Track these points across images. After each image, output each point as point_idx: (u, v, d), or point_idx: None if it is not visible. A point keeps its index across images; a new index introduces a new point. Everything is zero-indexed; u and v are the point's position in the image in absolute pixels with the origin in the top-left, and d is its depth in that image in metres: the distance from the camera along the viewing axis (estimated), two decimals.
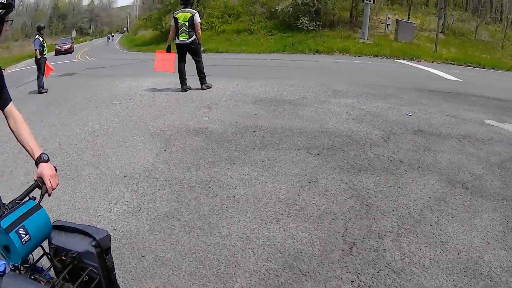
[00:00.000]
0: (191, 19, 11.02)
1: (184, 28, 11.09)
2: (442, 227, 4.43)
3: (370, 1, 26.51)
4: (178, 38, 11.26)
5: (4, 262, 2.57)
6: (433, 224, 4.47)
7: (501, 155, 7.23)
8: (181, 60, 11.56)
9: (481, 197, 5.40)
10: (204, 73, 11.60)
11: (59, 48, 51.36)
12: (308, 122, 7.88)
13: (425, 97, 10.81)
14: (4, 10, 2.23)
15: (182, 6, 11.33)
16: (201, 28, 11.47)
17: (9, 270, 2.27)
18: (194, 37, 11.14)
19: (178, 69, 11.64)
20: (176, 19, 11.22)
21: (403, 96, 10.42)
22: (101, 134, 8.06)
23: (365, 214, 4.47)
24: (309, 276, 3.47)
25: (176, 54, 11.60)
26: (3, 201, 2.78)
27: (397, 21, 29.42)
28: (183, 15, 11.12)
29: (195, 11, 11.23)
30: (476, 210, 4.99)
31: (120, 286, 2.32)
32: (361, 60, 19.56)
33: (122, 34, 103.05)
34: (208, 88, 11.63)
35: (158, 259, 3.88)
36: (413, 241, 4.08)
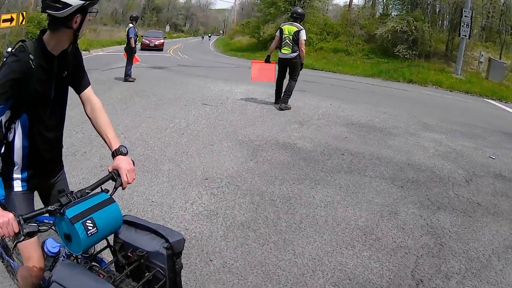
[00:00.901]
0: (296, 33, 10.83)
1: (287, 41, 10.92)
2: (505, 275, 4.37)
3: (465, 36, 25.72)
4: (280, 51, 11.12)
5: (58, 244, 2.66)
6: (498, 271, 4.42)
7: None
8: (282, 74, 11.46)
9: None
10: (291, 93, 11.30)
11: (147, 42, 41.28)
12: (396, 152, 7.83)
13: (510, 141, 10.50)
14: (89, 1, 2.19)
15: (291, 20, 11.23)
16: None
17: (63, 255, 2.33)
18: (297, 53, 10.91)
19: (277, 83, 11.59)
20: (281, 31, 11.08)
21: (489, 137, 10.14)
22: (187, 132, 8.28)
23: (437, 253, 4.49)
24: None
25: (277, 67, 11.51)
26: (69, 181, 2.87)
27: (489, 59, 28.45)
28: (289, 28, 10.98)
29: (302, 28, 11.01)
30: None
31: (183, 286, 2.37)
32: (452, 95, 18.98)
33: (218, 37, 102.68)
34: (287, 109, 11.27)
35: (226, 266, 3.98)
36: (476, 286, 4.06)
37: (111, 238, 2.26)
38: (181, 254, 2.21)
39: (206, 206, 5.20)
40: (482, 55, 28.80)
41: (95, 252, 2.30)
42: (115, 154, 2.41)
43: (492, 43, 35.93)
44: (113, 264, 2.26)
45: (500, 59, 29.87)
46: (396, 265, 4.17)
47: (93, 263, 2.23)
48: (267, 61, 11.59)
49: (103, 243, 2.24)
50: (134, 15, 15.83)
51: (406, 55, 29.42)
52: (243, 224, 4.82)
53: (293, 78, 11.13)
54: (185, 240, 2.24)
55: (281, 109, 11.11)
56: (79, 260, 2.25)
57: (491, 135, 10.45)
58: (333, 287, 3.78)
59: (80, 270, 2.00)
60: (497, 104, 18.69)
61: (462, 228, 5.11)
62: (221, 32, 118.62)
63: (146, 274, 2.15)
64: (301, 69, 11.32)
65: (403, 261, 4.25)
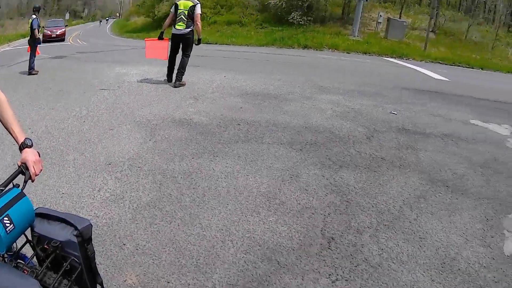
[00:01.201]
0: (192, 8, 10.55)
1: (182, 16, 10.60)
2: (421, 224, 4.51)
3: None
4: (174, 27, 10.78)
5: None
6: (412, 221, 4.54)
7: (484, 155, 7.32)
8: (174, 51, 11.18)
9: (462, 195, 5.50)
10: (184, 70, 11.13)
11: (49, 33, 38.86)
12: (292, 117, 7.89)
13: (410, 95, 10.90)
14: None
15: None
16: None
17: None
18: (191, 28, 10.70)
19: (169, 60, 11.31)
20: (176, 6, 10.71)
21: (388, 94, 10.50)
22: (87, 120, 8.01)
23: (344, 209, 4.53)
24: (287, 269, 3.52)
25: (170, 43, 11.19)
26: None
27: (388, 19, 29.38)
28: (184, 3, 10.64)
29: (198, 2, 10.71)
30: (456, 208, 5.09)
31: (101, 273, 2.33)
32: (350, 57, 19.55)
33: (115, 19, 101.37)
34: (181, 86, 11.09)
35: (139, 248, 3.90)
36: (391, 237, 4.15)
37: (29, 233, 2.25)
38: (91, 240, 2.24)
39: (112, 191, 5.08)
40: (380, 15, 29.75)
41: (17, 249, 2.28)
42: (21, 147, 2.42)
43: (392, 4, 37.31)
44: (36, 259, 2.28)
45: (400, 18, 30.98)
46: (304, 226, 4.14)
47: (18, 261, 2.22)
48: (160, 38, 11.35)
49: (23, 239, 2.25)
50: (37, 5, 15.17)
51: (301, 21, 29.79)
52: (149, 204, 4.71)
53: (186, 54, 10.94)
54: (92, 226, 2.25)
55: (175, 87, 10.93)
56: (6, 259, 2.20)
57: (391, 91, 10.84)
58: (244, 255, 3.72)
59: (7, 269, 1.99)
60: (397, 61, 19.41)
61: (368, 184, 5.19)
62: (117, 14, 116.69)
63: (64, 264, 2.18)
64: (198, 44, 11.15)
65: (310, 221, 4.23)
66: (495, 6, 46.89)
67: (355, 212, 4.49)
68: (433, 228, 4.51)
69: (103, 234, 4.10)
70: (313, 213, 4.35)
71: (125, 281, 3.47)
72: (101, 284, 2.38)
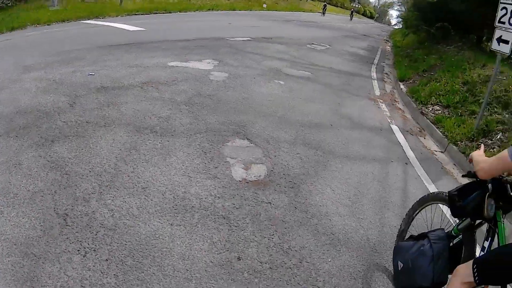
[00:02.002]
0: None
1: None
2: (139, 175, 4.78)
3: None
4: None
5: None
6: (130, 174, 4.78)
7: (187, 92, 7.98)
8: None
9: (172, 136, 5.97)
10: None
11: None
12: (3, 106, 7.31)
13: (107, 53, 11.01)
14: None
15: None
16: None
17: None
18: None
19: None
20: None
21: (86, 56, 10.36)
22: None
23: (66, 183, 4.49)
24: (44, 258, 3.38)
25: None
26: None
27: None
28: None
29: None
30: (170, 150, 5.52)
31: None
32: (50, 28, 18.37)
33: None
34: None
35: None
36: (116, 196, 4.32)
37: None
38: None
39: None
40: None
41: None
42: None
43: None
44: None
45: None
46: (39, 211, 3.94)
47: None
48: None
49: None
50: None
51: (8, 3, 27.36)
52: None
53: None
54: None
55: None
56: None
57: (88, 53, 10.69)
58: (9, 258, 3.36)
59: None
60: (94, 22, 19.21)
61: (79, 151, 5.21)
62: None
63: None
64: None
65: (43, 204, 4.06)
66: None
67: (77, 182, 4.50)
68: (152, 175, 4.82)
69: None
70: (42, 196, 4.20)
71: None
72: None
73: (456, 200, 2.93)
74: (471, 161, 2.86)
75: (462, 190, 2.95)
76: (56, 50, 11.07)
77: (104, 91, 7.58)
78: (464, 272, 2.58)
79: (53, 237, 3.66)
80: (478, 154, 2.86)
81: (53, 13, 22.68)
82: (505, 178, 2.78)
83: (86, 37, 14.32)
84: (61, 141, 5.43)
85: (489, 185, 2.76)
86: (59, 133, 5.68)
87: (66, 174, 4.64)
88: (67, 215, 3.94)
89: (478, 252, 2.84)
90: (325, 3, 60.62)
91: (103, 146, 5.40)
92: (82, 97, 7.17)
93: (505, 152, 2.48)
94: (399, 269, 3.23)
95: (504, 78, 10.44)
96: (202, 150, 5.67)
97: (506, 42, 7.95)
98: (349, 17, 60.59)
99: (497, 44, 8.16)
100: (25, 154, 5.02)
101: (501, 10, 8.07)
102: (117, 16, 22.03)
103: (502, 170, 2.65)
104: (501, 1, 8.04)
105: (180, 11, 27.66)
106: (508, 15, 7.83)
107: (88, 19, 20.11)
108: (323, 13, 54.96)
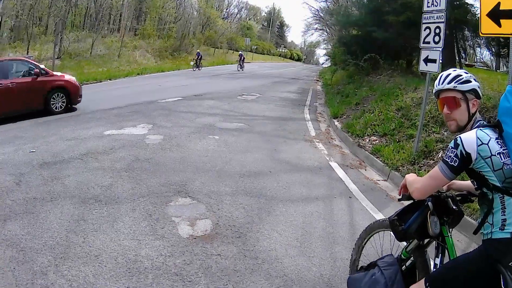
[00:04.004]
0: None
1: None
2: (90, 244, 5.01)
3: None
4: None
5: None
6: (81, 244, 5.00)
7: (125, 159, 8.27)
8: None
9: (117, 203, 6.26)
10: None
11: None
12: None
13: (45, 128, 11.30)
14: None
15: None
16: None
17: None
18: None
19: None
20: None
21: (25, 134, 10.53)
22: None
23: (23, 258, 4.63)
24: None
25: None
26: None
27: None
28: None
29: None
30: (116, 217, 5.80)
31: None
32: None
33: None
34: None
35: None
36: (71, 266, 4.50)
37: None
38: None
39: None
40: (9, 55, 28.49)
41: None
42: None
43: (21, 41, 35.71)
44: None
45: (27, 53, 30.16)
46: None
47: None
48: None
49: None
50: None
51: None
52: None
53: None
54: None
55: None
56: None
57: (27, 131, 10.96)
58: None
59: None
60: None
61: (31, 227, 5.37)
62: None
63: None
64: None
65: (5, 281, 4.20)
66: (120, 14, 49.13)
67: (33, 257, 4.65)
68: (103, 242, 5.06)
69: None
70: (3, 273, 4.34)
71: None
72: None
73: (398, 225, 3.04)
74: (402, 191, 3.12)
75: (402, 214, 3.09)
76: None
77: (46, 166, 7.79)
78: None
79: None
80: (410, 176, 3.08)
81: None
82: (445, 194, 3.00)
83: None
84: (13, 219, 5.58)
85: (429, 203, 2.92)
86: (9, 211, 5.83)
87: (22, 250, 4.81)
88: None
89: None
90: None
91: (52, 220, 5.59)
92: (26, 174, 7.34)
93: (437, 171, 2.69)
94: None
95: None
96: (147, 213, 5.94)
97: (434, 61, 8.46)
98: (239, 66, 44.22)
99: (425, 64, 8.70)
100: None
101: (424, 30, 8.65)
102: None
103: (437, 188, 2.84)
104: (423, 22, 8.64)
105: (110, 79, 27.89)
106: (432, 33, 8.40)
107: None
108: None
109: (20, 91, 13.16)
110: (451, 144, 2.64)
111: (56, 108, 14.31)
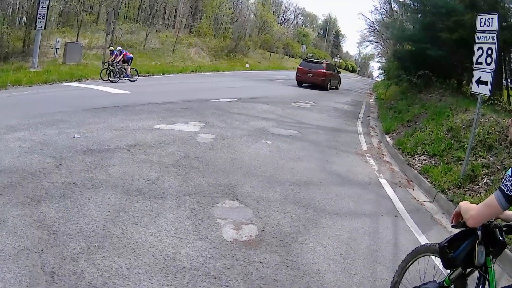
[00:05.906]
0: None
1: None
2: (129, 236, 4.87)
3: (41, 27, 25.25)
4: None
5: None
6: (119, 235, 4.87)
7: (174, 155, 8.15)
8: None
9: (161, 198, 6.10)
10: None
11: None
12: None
13: (92, 115, 11.23)
14: None
15: None
16: None
17: None
18: None
19: None
20: None
21: (70, 119, 10.56)
22: None
23: (54, 242, 4.56)
24: None
25: None
26: None
27: (65, 43, 28.75)
28: None
29: None
30: (159, 212, 5.64)
31: None
32: (31, 89, 18.40)
33: None
34: None
35: None
36: (105, 256, 4.38)
37: None
38: None
39: None
40: (58, 41, 29.02)
41: None
42: None
43: (70, 27, 36.62)
44: None
45: (77, 40, 30.83)
46: (25, 268, 4.02)
47: None
48: None
49: None
50: None
51: None
52: None
53: None
54: None
55: None
56: None
57: (72, 116, 10.88)
58: None
59: None
60: (77, 84, 19.43)
61: (67, 211, 5.30)
62: None
63: None
64: None
65: (29, 261, 4.14)
66: (175, 10, 50.03)
67: (64, 242, 4.57)
68: (142, 236, 4.92)
69: None
70: (28, 253, 4.27)
71: None
72: None
73: (447, 252, 3.00)
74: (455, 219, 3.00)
75: (452, 241, 3.04)
76: (39, 112, 11.21)
77: (90, 153, 7.73)
78: None
79: None
80: (464, 203, 2.93)
81: (34, 74, 22.83)
82: (493, 223, 2.87)
83: (69, 99, 14.49)
84: (48, 201, 5.51)
85: (479, 232, 2.84)
86: (45, 193, 5.76)
87: (53, 233, 4.72)
88: (54, 273, 3.99)
89: None
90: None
91: (91, 207, 5.49)
92: (68, 159, 7.29)
93: (493, 199, 2.58)
94: None
95: (486, 120, 10.71)
96: (192, 212, 5.78)
97: (485, 83, 8.14)
98: None
99: (477, 86, 8.38)
100: (11, 213, 5.08)
101: (477, 50, 8.33)
102: (98, 79, 22.18)
103: (491, 216, 2.75)
104: (476, 42, 8.33)
105: (163, 74, 28.16)
106: (485, 55, 8.08)
107: (70, 82, 20.28)
108: None
109: None
110: (509, 172, 2.53)
111: None
